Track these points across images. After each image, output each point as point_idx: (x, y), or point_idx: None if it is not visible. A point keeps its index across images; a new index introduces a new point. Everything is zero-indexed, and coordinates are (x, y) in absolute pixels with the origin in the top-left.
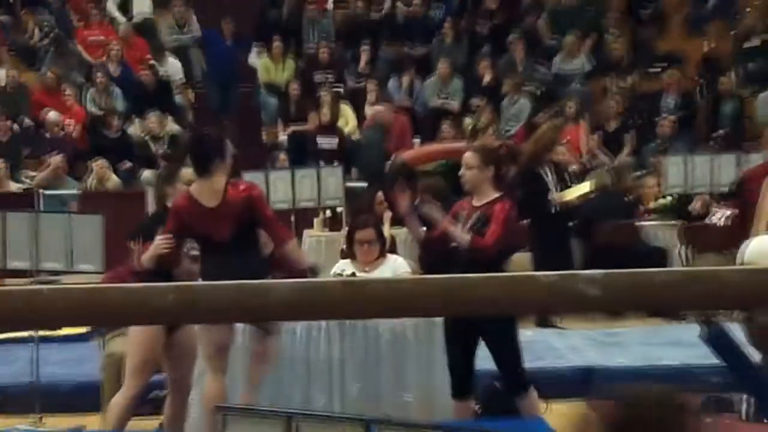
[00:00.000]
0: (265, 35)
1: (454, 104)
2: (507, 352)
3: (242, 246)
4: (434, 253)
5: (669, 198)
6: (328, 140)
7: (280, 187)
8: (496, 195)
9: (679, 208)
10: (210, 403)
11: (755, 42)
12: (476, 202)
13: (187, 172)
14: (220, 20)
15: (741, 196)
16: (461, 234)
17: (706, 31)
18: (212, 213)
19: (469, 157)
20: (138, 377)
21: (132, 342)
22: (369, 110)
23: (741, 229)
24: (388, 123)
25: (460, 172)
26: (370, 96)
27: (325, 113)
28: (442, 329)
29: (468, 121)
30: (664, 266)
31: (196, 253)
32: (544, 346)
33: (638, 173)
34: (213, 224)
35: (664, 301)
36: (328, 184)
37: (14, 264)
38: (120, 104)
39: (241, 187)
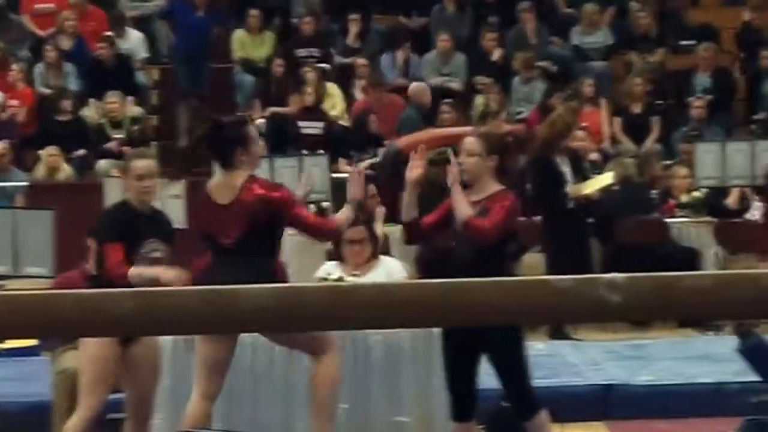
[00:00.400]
0: (244, 5)
1: (457, 83)
2: (512, 367)
3: (250, 253)
4: (431, 251)
5: (702, 191)
6: (312, 124)
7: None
8: (499, 188)
9: (712, 203)
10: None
11: None
12: (475, 197)
13: (137, 164)
14: None
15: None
16: (466, 206)
17: None
18: (222, 211)
19: (471, 143)
20: (92, 396)
21: (84, 356)
22: (359, 91)
23: None
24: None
25: (460, 160)
26: (361, 74)
27: (310, 93)
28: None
29: (479, 103)
30: (695, 269)
31: (157, 255)
32: (558, 361)
33: (667, 162)
34: (220, 224)
35: (694, 308)
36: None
37: None
38: (73, 83)
39: (261, 185)
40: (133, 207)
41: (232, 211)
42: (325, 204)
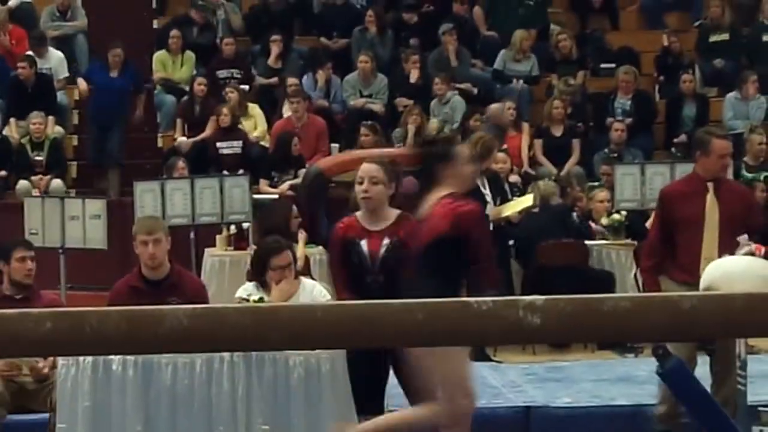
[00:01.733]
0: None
1: (378, 105)
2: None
3: (429, 269)
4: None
5: (622, 213)
6: (230, 144)
7: (178, 199)
8: (397, 213)
9: (632, 225)
10: None
11: (721, 36)
12: (375, 226)
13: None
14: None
15: (666, 214)
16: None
17: (666, 22)
18: (419, 225)
19: (375, 170)
20: None
21: None
22: (286, 110)
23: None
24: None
25: (364, 187)
26: (291, 93)
27: (226, 114)
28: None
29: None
30: (610, 293)
31: None
32: (478, 383)
33: (594, 184)
34: (415, 238)
35: (614, 330)
36: (233, 195)
37: None
38: None
39: (455, 200)
40: None
41: (424, 226)
42: (245, 225)
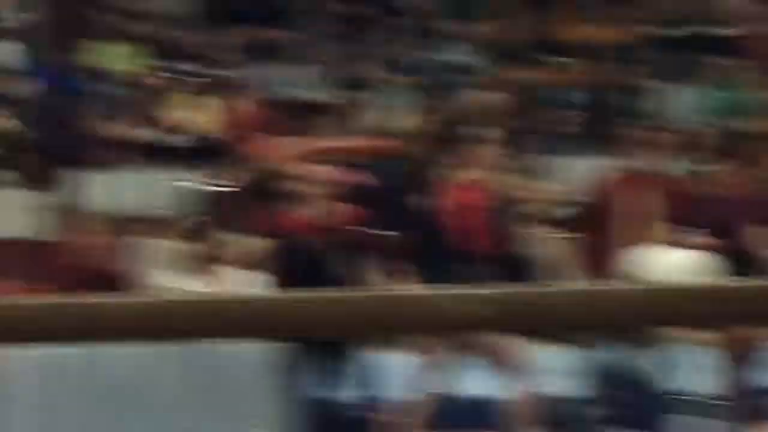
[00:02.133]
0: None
1: (324, 97)
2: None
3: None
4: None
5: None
6: (182, 138)
7: (131, 192)
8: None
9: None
10: None
11: (678, 30)
12: None
13: None
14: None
15: (602, 206)
16: None
17: (620, 15)
18: None
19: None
20: None
21: None
22: (243, 103)
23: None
24: None
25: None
26: (245, 86)
27: (181, 106)
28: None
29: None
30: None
31: None
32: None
33: (542, 178)
34: None
35: (566, 321)
36: (186, 189)
37: None
38: None
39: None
40: None
41: None
42: (199, 218)
